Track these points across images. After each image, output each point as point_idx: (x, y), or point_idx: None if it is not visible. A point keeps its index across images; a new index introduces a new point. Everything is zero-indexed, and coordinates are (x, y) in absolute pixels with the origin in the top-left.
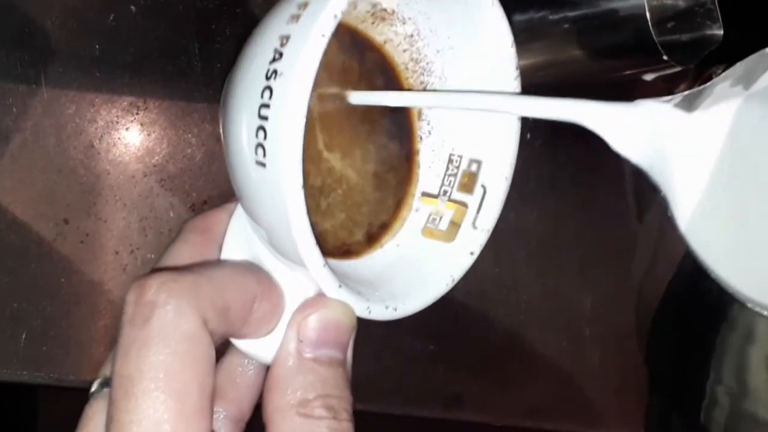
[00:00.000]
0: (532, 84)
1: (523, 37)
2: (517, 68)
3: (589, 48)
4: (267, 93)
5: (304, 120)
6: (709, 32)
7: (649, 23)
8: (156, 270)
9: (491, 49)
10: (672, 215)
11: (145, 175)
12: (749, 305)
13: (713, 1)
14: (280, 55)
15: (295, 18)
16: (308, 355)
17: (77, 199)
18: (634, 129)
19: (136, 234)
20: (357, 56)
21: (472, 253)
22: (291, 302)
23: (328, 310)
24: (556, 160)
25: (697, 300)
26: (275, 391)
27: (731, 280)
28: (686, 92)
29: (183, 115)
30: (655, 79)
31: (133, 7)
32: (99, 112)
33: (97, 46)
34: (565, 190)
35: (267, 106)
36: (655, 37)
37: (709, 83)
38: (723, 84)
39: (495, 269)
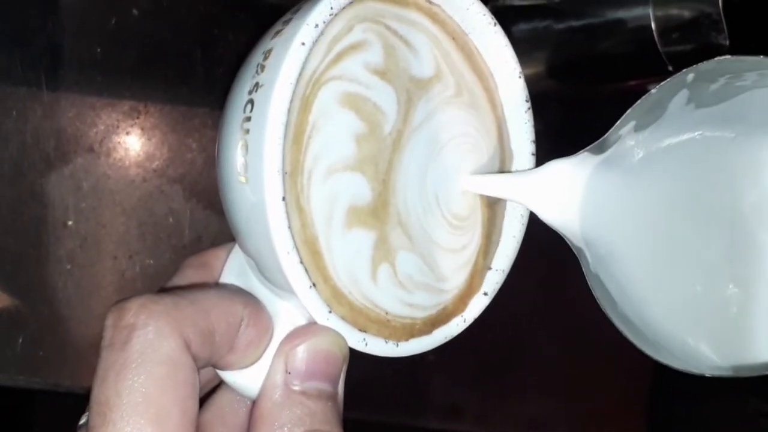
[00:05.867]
0: (536, 93)
1: (527, 46)
2: (527, 100)
3: (593, 58)
4: (249, 106)
5: (282, 128)
6: (714, 43)
7: (654, 33)
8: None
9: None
10: (584, 270)
11: (145, 180)
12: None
13: (719, 11)
14: (262, 68)
15: (279, 33)
16: (296, 388)
17: (76, 203)
18: (541, 191)
19: (135, 239)
20: None
21: (486, 294)
22: (280, 332)
23: (318, 340)
24: None
25: None
26: (262, 426)
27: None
28: (594, 143)
29: (184, 120)
30: None
31: (135, 11)
32: (99, 115)
33: (99, 50)
34: None
35: (249, 119)
36: (660, 48)
37: (613, 127)
38: (627, 127)
39: None
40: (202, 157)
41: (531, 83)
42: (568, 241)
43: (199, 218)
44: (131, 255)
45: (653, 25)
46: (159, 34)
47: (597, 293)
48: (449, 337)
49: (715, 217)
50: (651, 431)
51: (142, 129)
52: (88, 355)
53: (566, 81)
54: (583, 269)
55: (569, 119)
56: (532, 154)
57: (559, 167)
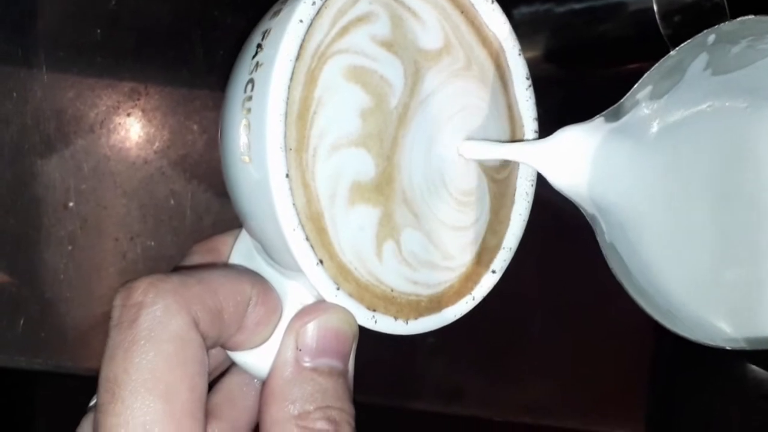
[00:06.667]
0: (536, 77)
1: (527, 29)
2: (527, 77)
3: (594, 41)
4: (249, 86)
5: (283, 104)
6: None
7: (657, 16)
8: None
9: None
10: (599, 240)
11: (145, 162)
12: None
13: None
14: (261, 47)
15: (277, 12)
16: (307, 365)
17: (77, 185)
18: (555, 158)
19: (135, 221)
20: None
21: (494, 272)
22: (289, 311)
23: (328, 316)
24: None
25: None
26: (273, 403)
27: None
28: (609, 109)
29: (185, 101)
30: None
31: None
32: (100, 97)
33: (99, 31)
34: None
35: (250, 98)
36: (661, 31)
37: (629, 92)
38: (643, 92)
39: None
40: (203, 139)
41: (532, 66)
42: (581, 209)
43: (200, 200)
44: (132, 237)
45: (655, 8)
46: (159, 16)
47: (612, 263)
48: (458, 316)
49: (729, 190)
50: (651, 414)
51: (143, 111)
52: (89, 337)
53: (567, 64)
54: (598, 239)
55: (570, 103)
56: (535, 132)
57: (572, 133)
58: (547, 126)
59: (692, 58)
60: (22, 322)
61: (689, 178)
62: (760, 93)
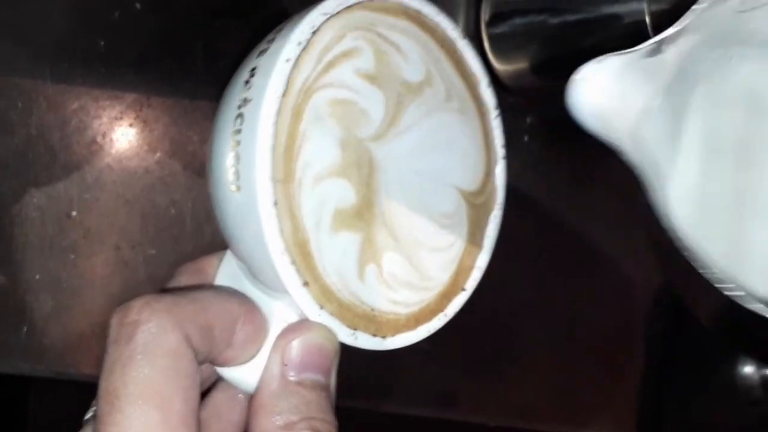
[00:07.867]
0: (531, 88)
1: (522, 40)
2: (496, 107)
3: (587, 52)
4: (239, 120)
5: (271, 138)
6: None
7: (649, 28)
8: None
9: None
10: (648, 195)
11: (147, 172)
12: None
13: None
14: (250, 84)
15: (263, 51)
16: (293, 378)
17: (80, 195)
18: (594, 88)
19: (137, 230)
20: None
21: (464, 290)
22: (275, 330)
23: (311, 334)
24: (552, 163)
25: None
26: (260, 415)
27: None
28: (656, 38)
29: (186, 112)
30: None
31: (138, 4)
32: (103, 108)
33: (102, 43)
34: (560, 192)
35: (239, 131)
36: None
37: (678, 22)
38: (684, 25)
39: (488, 270)
40: (203, 149)
41: (526, 77)
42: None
43: (200, 209)
44: (134, 245)
45: (648, 20)
46: (161, 27)
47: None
48: (431, 332)
49: (753, 144)
50: (642, 420)
51: (145, 121)
52: (91, 344)
53: (561, 75)
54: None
55: (564, 113)
56: (503, 158)
57: (613, 61)
58: (538, 136)
59: None
60: (25, 329)
61: (716, 129)
62: (749, 42)
